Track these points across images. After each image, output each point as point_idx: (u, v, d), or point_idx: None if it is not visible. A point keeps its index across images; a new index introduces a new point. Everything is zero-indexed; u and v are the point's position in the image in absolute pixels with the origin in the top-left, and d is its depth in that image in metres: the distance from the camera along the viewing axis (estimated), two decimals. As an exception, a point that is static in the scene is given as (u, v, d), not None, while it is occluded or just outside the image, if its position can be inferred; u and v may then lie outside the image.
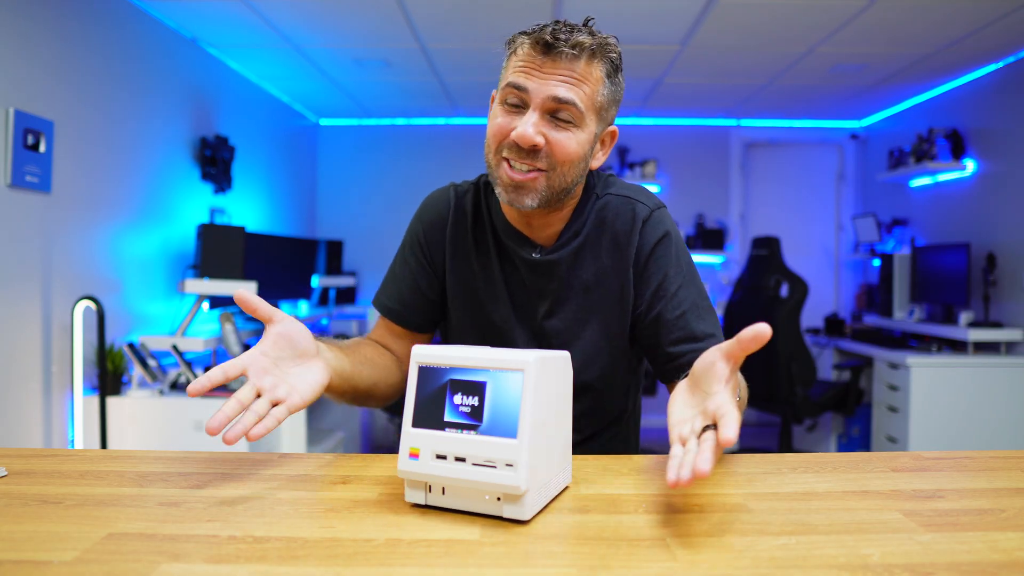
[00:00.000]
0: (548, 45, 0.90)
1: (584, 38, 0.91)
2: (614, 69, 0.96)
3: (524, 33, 0.95)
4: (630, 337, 1.08)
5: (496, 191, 0.97)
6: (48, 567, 0.54)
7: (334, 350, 0.92)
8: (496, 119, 0.95)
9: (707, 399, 0.70)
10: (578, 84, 0.92)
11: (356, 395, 0.98)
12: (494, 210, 1.08)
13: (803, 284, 3.57)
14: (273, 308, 0.82)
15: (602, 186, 1.09)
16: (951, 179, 3.98)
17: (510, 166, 0.94)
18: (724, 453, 0.82)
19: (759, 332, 0.66)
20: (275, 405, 0.78)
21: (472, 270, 1.09)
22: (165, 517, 0.65)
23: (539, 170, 0.93)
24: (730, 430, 0.61)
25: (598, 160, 1.01)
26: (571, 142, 0.93)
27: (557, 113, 0.92)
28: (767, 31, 3.16)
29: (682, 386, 0.76)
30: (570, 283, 1.06)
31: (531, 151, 0.92)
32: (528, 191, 0.94)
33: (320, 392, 0.84)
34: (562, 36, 0.90)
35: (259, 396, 0.77)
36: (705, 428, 0.67)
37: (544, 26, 0.92)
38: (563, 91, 0.91)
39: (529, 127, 0.90)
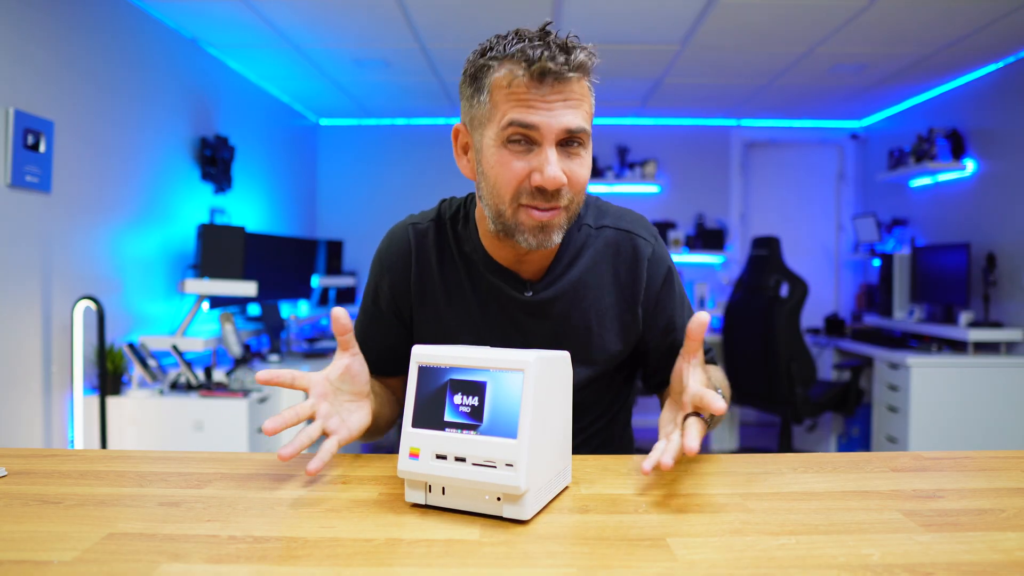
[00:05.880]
0: (546, 71, 0.82)
1: (583, 57, 0.84)
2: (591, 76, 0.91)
3: (499, 59, 0.85)
4: (630, 364, 1.10)
5: (519, 238, 0.89)
6: (48, 567, 0.54)
7: (373, 392, 0.91)
8: (507, 164, 0.85)
9: (683, 395, 0.79)
10: (579, 106, 0.85)
11: (371, 433, 0.96)
12: (467, 247, 1.01)
13: (803, 284, 3.56)
14: (355, 340, 0.83)
15: (594, 216, 1.03)
16: (951, 179, 3.98)
17: (532, 210, 0.87)
18: (724, 453, 0.83)
19: (699, 319, 0.77)
20: (323, 434, 0.80)
21: (440, 314, 1.02)
22: (165, 517, 0.65)
23: (561, 207, 0.88)
24: (716, 403, 0.71)
25: None
26: (584, 168, 0.89)
27: (567, 143, 0.86)
28: (767, 31, 3.16)
29: (668, 401, 0.85)
30: (569, 323, 1.00)
31: (555, 191, 0.86)
32: (553, 229, 0.89)
33: (362, 433, 0.85)
34: (561, 58, 0.82)
35: (312, 419, 0.80)
36: (686, 417, 0.77)
37: (523, 48, 0.82)
38: (571, 119, 0.84)
39: (556, 168, 0.84)
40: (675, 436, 0.74)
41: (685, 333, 1.02)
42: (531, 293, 0.99)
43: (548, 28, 0.86)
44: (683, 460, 0.87)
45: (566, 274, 1.00)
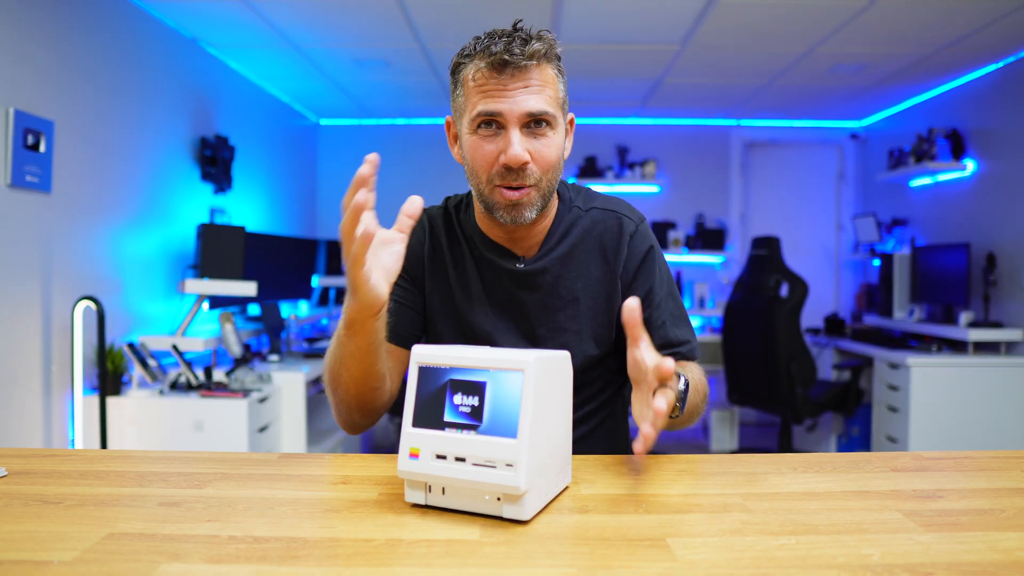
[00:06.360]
0: (504, 63, 0.92)
1: (538, 46, 0.93)
2: (559, 62, 0.99)
3: (471, 56, 0.96)
4: (615, 344, 1.11)
5: (496, 215, 0.99)
6: (48, 567, 0.54)
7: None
8: (480, 149, 0.96)
9: (646, 376, 0.76)
10: (542, 90, 0.94)
11: (370, 377, 0.93)
12: (468, 228, 1.11)
13: (803, 284, 3.56)
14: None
15: (583, 200, 1.12)
16: (951, 179, 3.98)
17: (504, 189, 0.96)
18: (724, 453, 0.82)
19: (627, 304, 0.74)
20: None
21: (450, 285, 1.10)
22: (165, 517, 0.65)
23: (530, 185, 0.96)
24: (666, 362, 0.72)
25: (567, 151, 1.04)
26: (551, 149, 0.97)
27: (533, 125, 0.95)
28: (767, 31, 3.16)
29: (634, 393, 0.80)
30: (557, 293, 1.07)
31: (520, 169, 0.95)
32: (525, 206, 0.97)
33: (389, 274, 0.86)
34: (516, 50, 0.91)
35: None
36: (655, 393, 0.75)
37: (488, 44, 0.93)
38: (534, 103, 0.93)
39: (518, 147, 0.93)
40: (647, 412, 0.74)
41: (661, 310, 1.08)
42: (523, 265, 1.07)
43: (518, 26, 0.96)
44: (683, 460, 0.87)
45: (555, 249, 1.08)
